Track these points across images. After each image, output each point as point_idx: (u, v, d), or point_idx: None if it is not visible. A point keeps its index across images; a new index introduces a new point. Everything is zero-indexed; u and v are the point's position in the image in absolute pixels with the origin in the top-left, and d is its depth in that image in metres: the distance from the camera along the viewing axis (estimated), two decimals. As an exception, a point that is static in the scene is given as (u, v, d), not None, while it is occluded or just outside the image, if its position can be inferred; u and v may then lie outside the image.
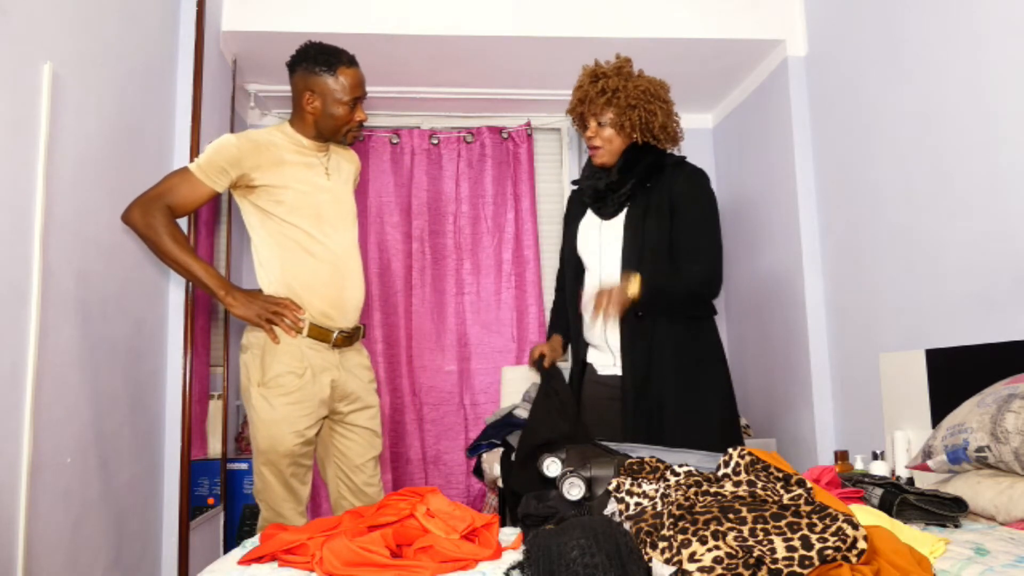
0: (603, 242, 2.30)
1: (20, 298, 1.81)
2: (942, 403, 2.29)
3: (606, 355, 2.29)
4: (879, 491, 1.59)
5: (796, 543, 1.05)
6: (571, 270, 2.40)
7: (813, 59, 3.30)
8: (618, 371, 2.24)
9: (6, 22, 1.75)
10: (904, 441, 2.39)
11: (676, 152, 2.38)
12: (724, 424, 2.23)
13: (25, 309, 1.83)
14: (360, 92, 2.15)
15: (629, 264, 2.21)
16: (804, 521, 1.08)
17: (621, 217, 2.28)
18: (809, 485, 1.21)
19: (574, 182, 2.47)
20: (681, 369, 2.17)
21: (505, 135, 4.08)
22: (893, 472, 2.37)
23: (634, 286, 2.10)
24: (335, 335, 2.12)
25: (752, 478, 1.26)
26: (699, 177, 2.28)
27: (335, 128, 2.15)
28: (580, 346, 2.36)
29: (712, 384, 2.24)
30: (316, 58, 2.10)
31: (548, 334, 2.53)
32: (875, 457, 2.39)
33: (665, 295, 2.17)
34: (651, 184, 2.25)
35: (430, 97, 3.86)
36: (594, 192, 2.32)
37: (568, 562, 1.08)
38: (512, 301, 3.99)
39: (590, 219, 2.36)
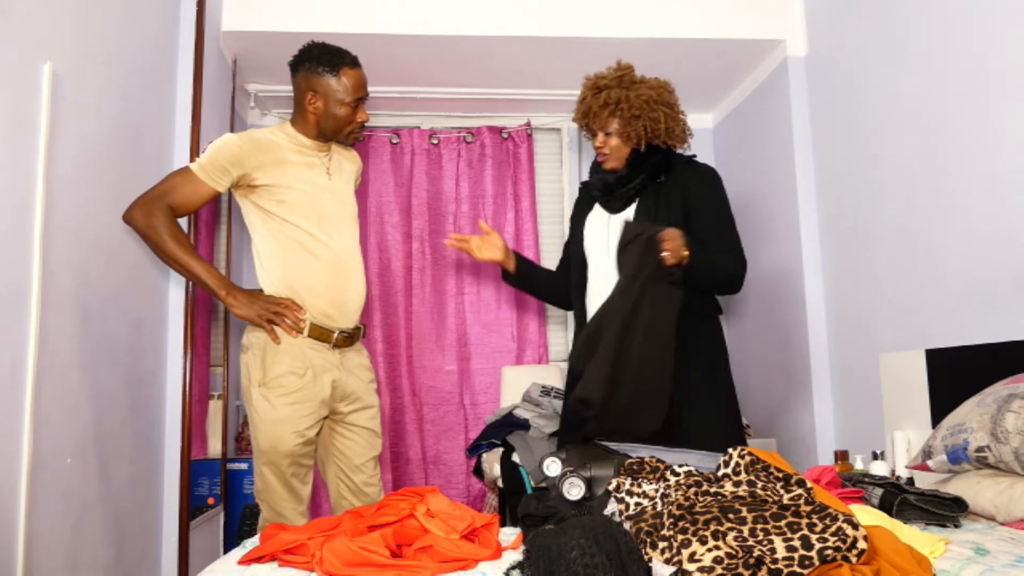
0: (611, 235, 2.31)
1: (20, 298, 1.81)
2: (942, 403, 2.29)
3: None
4: (879, 491, 1.59)
5: (796, 543, 1.05)
6: (576, 266, 2.40)
7: (813, 59, 3.30)
8: None
9: (6, 22, 1.75)
10: (904, 441, 2.39)
11: (684, 150, 2.39)
12: (726, 424, 2.23)
13: (25, 309, 1.83)
14: (362, 93, 2.15)
15: None
16: (804, 521, 1.08)
17: (630, 211, 2.29)
18: (809, 485, 1.21)
19: (583, 183, 2.49)
20: (685, 367, 2.17)
21: (505, 135, 4.08)
22: (893, 472, 2.37)
23: (684, 249, 2.05)
24: (336, 335, 2.12)
25: (752, 478, 1.26)
26: (712, 177, 2.31)
27: (337, 128, 2.15)
28: None
29: (715, 384, 2.24)
30: (319, 58, 2.10)
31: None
32: (875, 457, 2.39)
33: (704, 270, 2.14)
34: (662, 180, 2.27)
35: (430, 97, 3.86)
36: (603, 185, 2.34)
37: (568, 562, 1.08)
38: (512, 301, 3.99)
39: (598, 213, 2.37)
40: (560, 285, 2.49)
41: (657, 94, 2.27)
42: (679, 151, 2.35)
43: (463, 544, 1.30)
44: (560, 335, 4.11)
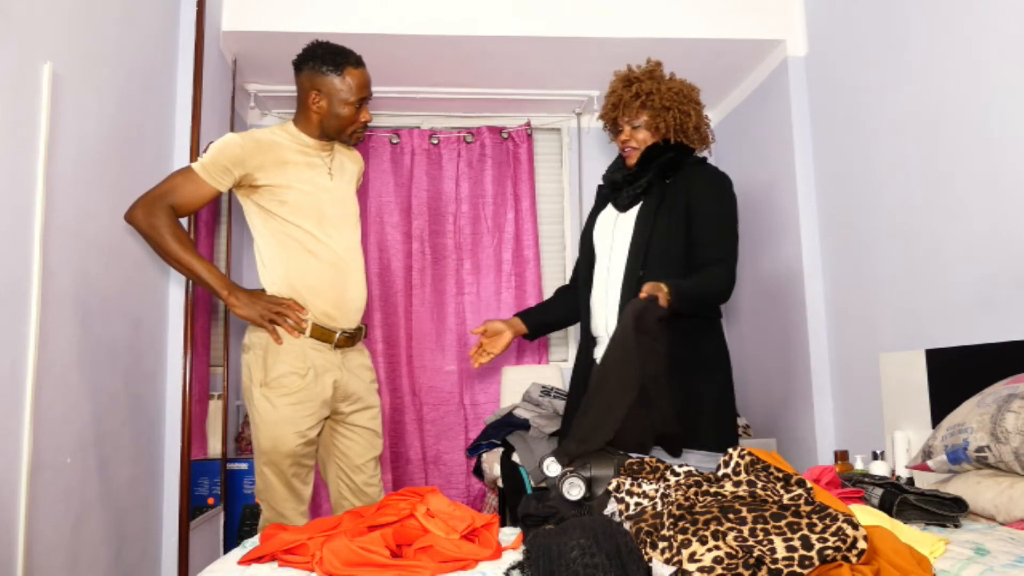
0: (616, 234, 2.32)
1: (20, 298, 1.81)
2: (942, 403, 2.29)
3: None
4: (879, 491, 1.59)
5: (796, 543, 1.05)
6: (584, 262, 2.41)
7: (813, 59, 3.30)
8: None
9: (6, 22, 1.75)
10: (904, 441, 2.39)
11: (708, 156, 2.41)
12: (720, 424, 2.22)
13: (25, 309, 1.83)
14: (366, 93, 2.15)
15: (636, 256, 2.22)
16: (804, 521, 1.08)
17: (636, 210, 2.29)
18: (809, 485, 1.21)
19: (601, 183, 2.51)
20: (681, 369, 2.15)
21: (505, 135, 4.08)
22: (893, 472, 2.37)
23: (663, 298, 1.98)
24: (337, 335, 2.12)
25: (752, 478, 1.26)
26: (720, 180, 2.30)
27: (340, 128, 2.15)
28: (588, 341, 2.36)
29: (712, 385, 2.23)
30: (323, 58, 2.10)
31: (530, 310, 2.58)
32: (875, 457, 2.39)
33: (692, 303, 2.10)
34: (670, 180, 2.27)
35: (430, 97, 3.87)
36: (612, 184, 2.37)
37: (568, 562, 1.08)
38: (512, 301, 3.99)
39: (608, 211, 2.39)
40: (572, 299, 2.50)
41: (687, 90, 2.31)
42: (697, 153, 2.36)
43: (463, 544, 1.30)
44: (560, 335, 4.10)
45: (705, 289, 2.16)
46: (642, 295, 1.96)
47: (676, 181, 2.27)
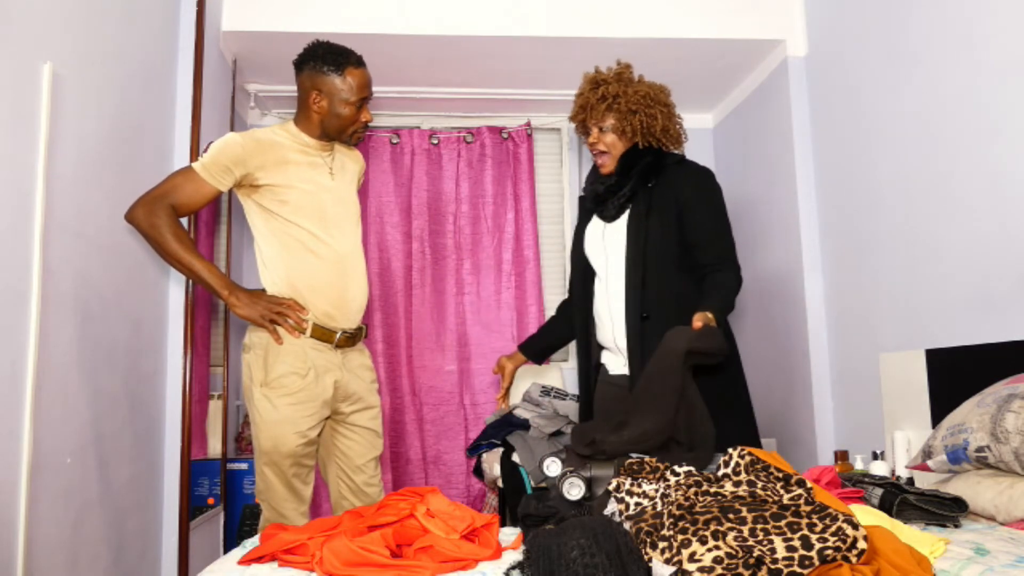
0: (607, 245, 2.31)
1: (20, 298, 1.81)
2: (942, 403, 2.29)
3: (617, 356, 2.30)
4: (879, 491, 1.59)
5: (796, 543, 1.05)
6: (579, 275, 2.41)
7: (813, 59, 3.30)
8: (628, 371, 2.23)
9: (6, 22, 1.75)
10: (904, 441, 2.39)
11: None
12: (737, 427, 2.22)
13: (25, 309, 1.83)
14: (367, 93, 2.15)
15: (634, 266, 2.21)
16: (804, 521, 1.08)
17: (624, 219, 2.28)
18: (809, 485, 1.21)
19: (581, 196, 2.50)
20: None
21: (505, 135, 4.08)
22: (893, 472, 2.37)
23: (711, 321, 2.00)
24: (338, 336, 2.12)
25: (752, 478, 1.26)
26: (706, 177, 2.29)
27: (341, 128, 2.15)
28: (593, 348, 2.36)
29: (724, 386, 2.23)
30: (324, 58, 2.10)
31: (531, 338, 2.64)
32: (875, 457, 2.39)
33: (725, 313, 2.17)
34: (653, 184, 2.26)
35: (430, 97, 3.87)
36: (595, 196, 2.34)
37: (568, 562, 1.08)
38: (512, 301, 3.99)
39: (595, 223, 2.37)
40: (569, 316, 2.51)
41: (654, 93, 2.28)
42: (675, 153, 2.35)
43: (463, 544, 1.30)
44: (560, 335, 4.10)
45: (728, 297, 2.19)
46: (697, 325, 1.95)
47: (659, 184, 2.25)
